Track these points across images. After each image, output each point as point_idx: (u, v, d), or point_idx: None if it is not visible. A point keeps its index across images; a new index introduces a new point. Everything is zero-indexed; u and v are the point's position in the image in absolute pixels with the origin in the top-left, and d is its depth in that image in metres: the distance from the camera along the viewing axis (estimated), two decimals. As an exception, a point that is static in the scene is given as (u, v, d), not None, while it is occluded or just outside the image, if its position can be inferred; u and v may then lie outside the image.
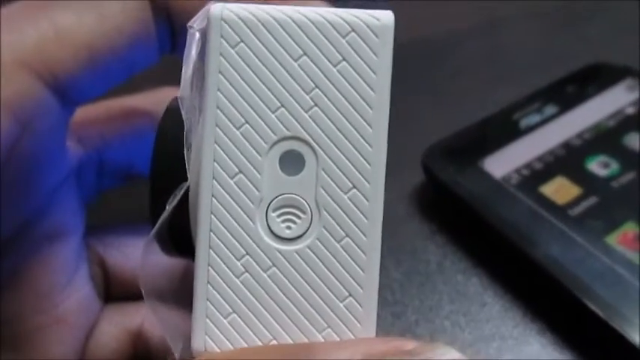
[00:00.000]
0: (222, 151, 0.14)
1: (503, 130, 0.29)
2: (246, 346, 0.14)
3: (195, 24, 0.15)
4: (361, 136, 0.14)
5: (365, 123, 0.14)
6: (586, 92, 0.30)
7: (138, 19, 0.18)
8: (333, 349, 0.14)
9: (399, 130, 0.32)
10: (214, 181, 0.14)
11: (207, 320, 0.14)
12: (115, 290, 0.22)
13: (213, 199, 0.14)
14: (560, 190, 0.26)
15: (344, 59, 0.14)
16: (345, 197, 0.14)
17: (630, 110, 0.29)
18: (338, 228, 0.14)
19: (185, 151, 0.15)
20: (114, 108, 0.22)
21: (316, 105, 0.14)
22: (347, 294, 0.14)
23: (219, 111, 0.14)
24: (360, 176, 0.14)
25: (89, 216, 0.22)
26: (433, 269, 0.27)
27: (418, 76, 0.36)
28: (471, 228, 0.27)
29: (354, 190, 0.14)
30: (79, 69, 0.18)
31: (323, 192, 0.14)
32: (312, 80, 0.14)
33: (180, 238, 0.16)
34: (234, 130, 0.14)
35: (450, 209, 0.28)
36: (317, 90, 0.14)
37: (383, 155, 0.15)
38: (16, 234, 0.19)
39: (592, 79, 0.31)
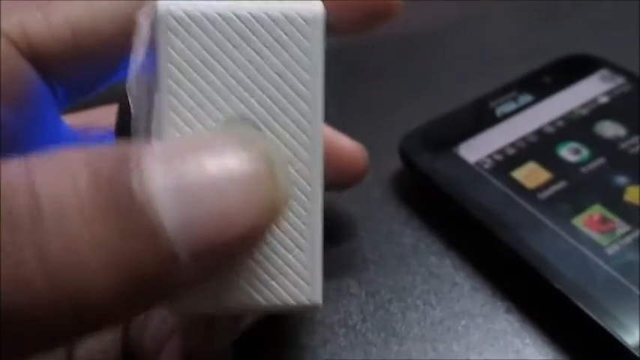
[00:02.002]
0: (175, 130, 0.16)
1: (479, 117, 0.30)
2: None
3: (142, 18, 0.17)
4: (300, 114, 0.16)
5: (302, 101, 0.16)
6: (561, 82, 0.31)
7: (130, 8, 0.19)
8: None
9: (379, 119, 0.33)
10: None
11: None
12: None
13: None
14: (530, 174, 0.27)
15: (282, 47, 0.16)
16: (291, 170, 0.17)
17: (603, 99, 0.30)
18: None
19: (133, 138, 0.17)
20: None
21: (259, 89, 0.16)
22: (296, 249, 0.17)
23: (171, 96, 0.16)
24: (300, 148, 0.17)
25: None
26: (408, 251, 0.27)
27: (400, 68, 0.37)
28: (445, 211, 0.28)
29: (298, 162, 0.17)
30: (62, 48, 0.18)
31: None
32: (254, 67, 0.16)
33: None
34: (187, 112, 0.16)
35: (426, 194, 0.29)
36: (258, 75, 0.16)
37: (320, 129, 0.17)
38: None
39: (568, 70, 0.32)
